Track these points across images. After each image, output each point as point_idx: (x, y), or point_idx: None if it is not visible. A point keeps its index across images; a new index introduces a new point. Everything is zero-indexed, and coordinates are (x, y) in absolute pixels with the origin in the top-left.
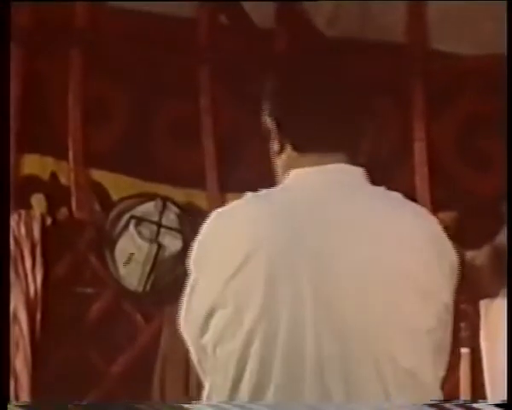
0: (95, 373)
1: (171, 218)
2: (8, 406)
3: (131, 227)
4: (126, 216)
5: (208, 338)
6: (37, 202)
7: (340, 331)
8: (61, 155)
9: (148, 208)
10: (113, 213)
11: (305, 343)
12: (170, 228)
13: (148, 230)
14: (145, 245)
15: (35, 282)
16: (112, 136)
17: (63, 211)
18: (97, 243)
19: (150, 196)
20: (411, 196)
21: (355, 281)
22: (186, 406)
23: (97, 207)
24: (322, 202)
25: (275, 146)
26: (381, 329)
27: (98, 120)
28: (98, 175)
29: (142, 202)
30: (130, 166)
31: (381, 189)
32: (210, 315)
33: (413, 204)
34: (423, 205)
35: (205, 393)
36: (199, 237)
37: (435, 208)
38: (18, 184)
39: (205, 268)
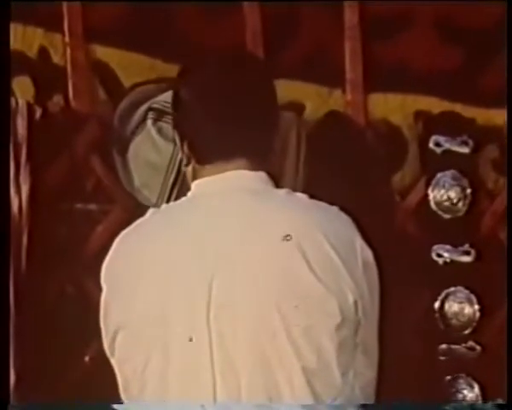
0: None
1: None
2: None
3: (149, 123)
4: (142, 108)
5: (116, 358)
6: (22, 87)
7: (235, 338)
8: (53, 24)
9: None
10: (124, 104)
11: (200, 356)
12: None
13: (171, 126)
14: (168, 147)
15: (19, 195)
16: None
17: (56, 100)
18: (103, 143)
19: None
20: None
21: (250, 287)
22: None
23: (102, 95)
24: (218, 209)
25: (183, 158)
26: (278, 331)
27: None
28: (103, 52)
29: (162, 90)
30: (145, 41)
31: (284, 191)
32: (114, 337)
33: (322, 203)
34: None
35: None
36: (106, 259)
37: None
38: None
39: (111, 289)
